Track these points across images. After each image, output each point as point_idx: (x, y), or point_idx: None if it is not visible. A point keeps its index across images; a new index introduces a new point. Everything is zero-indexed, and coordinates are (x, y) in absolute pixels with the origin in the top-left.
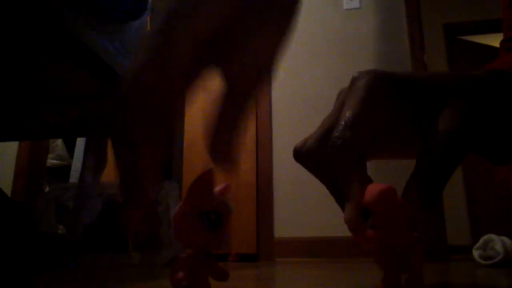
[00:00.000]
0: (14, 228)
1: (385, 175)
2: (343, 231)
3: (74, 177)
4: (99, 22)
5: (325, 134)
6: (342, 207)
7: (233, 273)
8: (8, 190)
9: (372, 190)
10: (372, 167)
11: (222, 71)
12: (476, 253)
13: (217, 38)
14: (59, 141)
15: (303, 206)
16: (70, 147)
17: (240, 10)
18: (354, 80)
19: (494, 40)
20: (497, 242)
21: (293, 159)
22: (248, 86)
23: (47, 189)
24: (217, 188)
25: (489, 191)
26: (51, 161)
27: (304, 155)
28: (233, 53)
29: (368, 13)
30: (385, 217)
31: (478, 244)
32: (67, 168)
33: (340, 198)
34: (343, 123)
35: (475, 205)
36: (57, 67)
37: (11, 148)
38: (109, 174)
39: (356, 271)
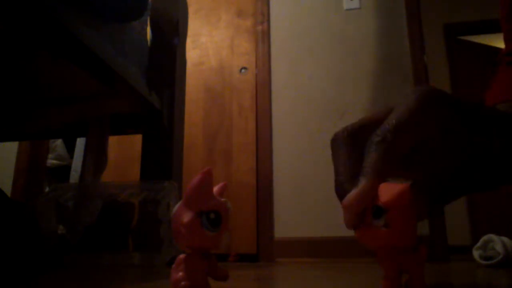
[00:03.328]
0: (14, 228)
1: None
2: (343, 231)
3: (74, 177)
4: (99, 22)
5: (364, 126)
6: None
7: (233, 273)
8: (8, 190)
9: (391, 188)
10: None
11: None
12: (476, 253)
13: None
14: (59, 141)
15: (303, 206)
16: (70, 147)
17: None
18: (409, 92)
19: (494, 40)
20: (497, 242)
21: (293, 159)
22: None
23: (47, 189)
24: (214, 188)
25: (489, 191)
26: (51, 161)
27: (340, 134)
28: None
29: (368, 13)
30: (401, 217)
31: (478, 244)
32: (67, 168)
33: (343, 194)
34: (387, 125)
35: (475, 205)
36: (57, 67)
37: (11, 148)
38: (109, 174)
39: (356, 271)
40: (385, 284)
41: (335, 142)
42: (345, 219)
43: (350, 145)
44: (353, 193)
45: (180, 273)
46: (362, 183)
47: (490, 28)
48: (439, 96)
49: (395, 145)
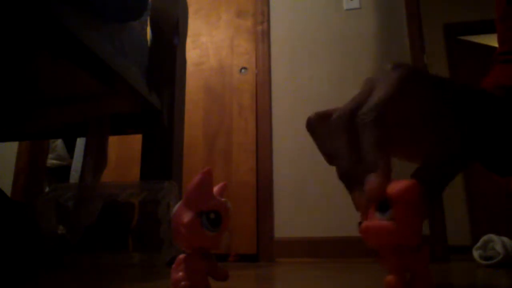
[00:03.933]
0: (14, 228)
1: None
2: (343, 231)
3: (74, 177)
4: (99, 22)
5: (353, 110)
6: (350, 186)
7: (233, 273)
8: (8, 190)
9: (399, 184)
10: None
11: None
12: (476, 253)
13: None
14: (59, 141)
15: (303, 206)
16: (70, 147)
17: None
18: (388, 70)
19: (494, 40)
20: (497, 243)
21: (293, 159)
22: None
23: (47, 189)
24: (214, 188)
25: (489, 191)
26: (51, 161)
27: (332, 124)
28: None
29: (368, 13)
30: (407, 212)
31: (478, 244)
32: (67, 168)
33: (349, 179)
34: (373, 103)
35: (475, 205)
36: (57, 67)
37: (11, 148)
38: (109, 174)
39: (356, 271)
40: (388, 283)
41: (332, 126)
42: (361, 202)
43: (348, 128)
44: (376, 176)
45: (180, 273)
46: (380, 165)
47: (490, 28)
48: (420, 74)
49: (384, 120)
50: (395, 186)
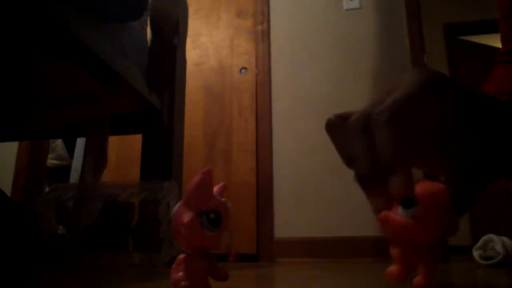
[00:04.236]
0: (14, 228)
1: None
2: (343, 231)
3: (74, 177)
4: (99, 22)
5: (370, 112)
6: (363, 181)
7: (233, 273)
8: (8, 190)
9: (429, 185)
10: None
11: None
12: (476, 253)
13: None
14: (59, 141)
15: (303, 206)
16: (70, 147)
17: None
18: (411, 74)
19: (494, 40)
20: (497, 243)
21: (293, 159)
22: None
23: (47, 189)
24: (214, 188)
25: (489, 191)
26: (51, 161)
27: (351, 125)
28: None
29: (368, 13)
30: (430, 213)
31: (478, 244)
32: (67, 168)
33: (366, 181)
34: (387, 104)
35: (475, 205)
36: (57, 67)
37: (11, 148)
38: (109, 174)
39: (356, 271)
40: (391, 273)
41: (350, 129)
42: (378, 205)
43: (365, 130)
44: (398, 180)
45: (180, 273)
46: (400, 168)
47: (490, 28)
48: (441, 80)
49: (398, 120)
50: (427, 188)
